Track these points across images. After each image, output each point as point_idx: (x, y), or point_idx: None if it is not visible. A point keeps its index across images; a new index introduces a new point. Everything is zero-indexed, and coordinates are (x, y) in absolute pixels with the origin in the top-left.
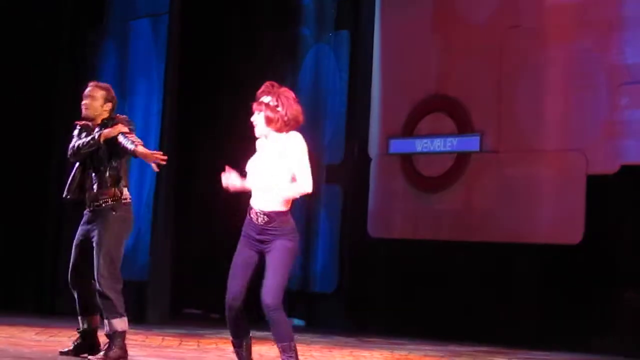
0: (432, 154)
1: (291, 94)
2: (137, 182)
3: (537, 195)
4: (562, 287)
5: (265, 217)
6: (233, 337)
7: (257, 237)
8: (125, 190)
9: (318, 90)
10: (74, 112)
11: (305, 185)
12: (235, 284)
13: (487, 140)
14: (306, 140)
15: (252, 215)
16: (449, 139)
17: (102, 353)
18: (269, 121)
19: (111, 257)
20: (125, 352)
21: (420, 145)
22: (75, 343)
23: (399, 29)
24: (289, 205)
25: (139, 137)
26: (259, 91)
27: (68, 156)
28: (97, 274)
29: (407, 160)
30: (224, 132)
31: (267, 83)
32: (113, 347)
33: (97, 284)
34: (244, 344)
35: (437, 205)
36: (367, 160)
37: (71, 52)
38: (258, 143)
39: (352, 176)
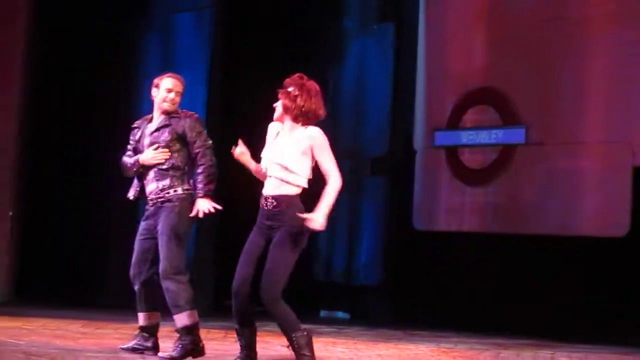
0: (477, 146)
1: (315, 87)
2: None
3: (582, 187)
4: (608, 280)
5: (273, 201)
6: (238, 326)
7: (267, 222)
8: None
9: (362, 83)
10: (117, 105)
11: (338, 182)
12: (242, 271)
13: (533, 132)
14: (351, 133)
15: (262, 201)
16: (494, 131)
17: (171, 349)
18: (285, 109)
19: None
20: (195, 347)
21: (465, 137)
22: (138, 340)
23: (443, 20)
24: (299, 191)
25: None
26: (287, 80)
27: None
28: (162, 268)
29: (452, 152)
30: (267, 125)
31: (297, 74)
32: (180, 343)
33: (161, 279)
34: (247, 333)
35: (481, 198)
36: (412, 152)
37: (115, 45)
38: (271, 128)
39: (397, 169)
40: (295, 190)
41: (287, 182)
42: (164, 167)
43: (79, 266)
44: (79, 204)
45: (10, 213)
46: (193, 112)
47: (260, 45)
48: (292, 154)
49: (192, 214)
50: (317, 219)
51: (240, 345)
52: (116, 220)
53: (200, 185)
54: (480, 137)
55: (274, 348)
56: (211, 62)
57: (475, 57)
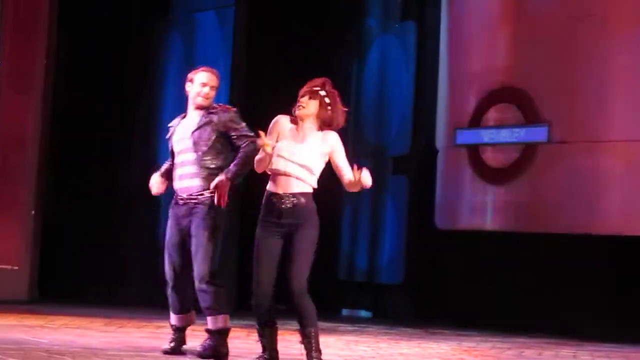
0: (499, 144)
1: (339, 97)
2: None
3: (605, 186)
4: (630, 279)
5: (294, 199)
6: (259, 326)
7: (283, 221)
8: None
9: (384, 81)
10: (139, 104)
11: None
12: (265, 272)
13: (555, 130)
14: (373, 132)
15: (275, 200)
16: (516, 130)
17: (199, 347)
18: (317, 116)
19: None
20: (221, 350)
21: (487, 136)
22: (175, 341)
23: (465, 18)
24: (312, 190)
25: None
26: (316, 82)
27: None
28: (199, 270)
29: (474, 151)
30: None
31: (324, 79)
32: (209, 344)
33: (198, 281)
34: (269, 333)
35: (504, 197)
36: (434, 151)
37: (137, 43)
38: (283, 122)
39: (419, 167)
40: (310, 190)
41: (305, 182)
42: (211, 166)
43: (101, 265)
44: (101, 202)
45: (32, 212)
46: (230, 106)
47: (282, 44)
48: (315, 157)
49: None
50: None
51: (263, 346)
52: (137, 218)
53: (231, 166)
54: (502, 135)
55: (295, 347)
56: (233, 60)
57: (497, 55)
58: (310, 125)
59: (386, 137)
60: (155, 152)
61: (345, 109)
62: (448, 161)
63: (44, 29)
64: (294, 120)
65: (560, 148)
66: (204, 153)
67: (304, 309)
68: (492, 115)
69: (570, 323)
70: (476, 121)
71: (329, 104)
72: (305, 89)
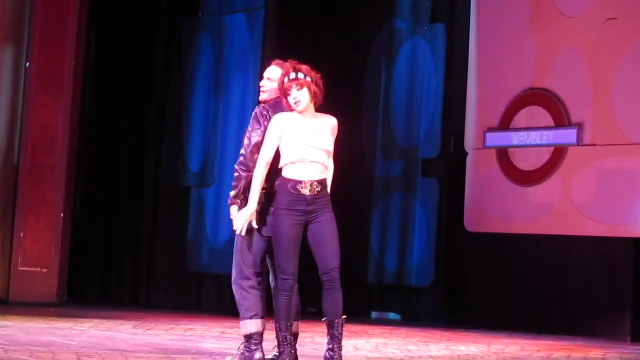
0: (529, 147)
1: (309, 67)
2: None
3: (635, 188)
4: None
5: (319, 185)
6: (286, 321)
7: (307, 208)
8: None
9: (414, 84)
10: (169, 106)
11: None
12: (294, 265)
13: (585, 133)
14: (403, 134)
15: (299, 188)
16: (546, 133)
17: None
18: (314, 96)
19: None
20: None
21: (517, 138)
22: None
23: (495, 21)
24: None
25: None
26: (287, 70)
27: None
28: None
29: (504, 153)
30: None
31: (290, 61)
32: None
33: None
34: (292, 328)
35: (533, 199)
36: (464, 154)
37: (166, 44)
38: (281, 120)
39: (449, 170)
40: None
41: (326, 168)
42: None
43: (130, 267)
44: (129, 204)
45: (62, 215)
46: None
47: (311, 47)
48: (330, 141)
49: None
50: None
51: (286, 341)
52: (166, 220)
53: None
54: (531, 138)
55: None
56: (262, 62)
57: (526, 58)
58: (312, 110)
59: (416, 139)
60: (184, 154)
61: (319, 75)
62: (478, 164)
63: (73, 31)
64: (294, 112)
65: (590, 151)
66: None
67: (339, 292)
68: (521, 117)
69: (600, 325)
70: (506, 124)
71: (312, 82)
72: (285, 82)
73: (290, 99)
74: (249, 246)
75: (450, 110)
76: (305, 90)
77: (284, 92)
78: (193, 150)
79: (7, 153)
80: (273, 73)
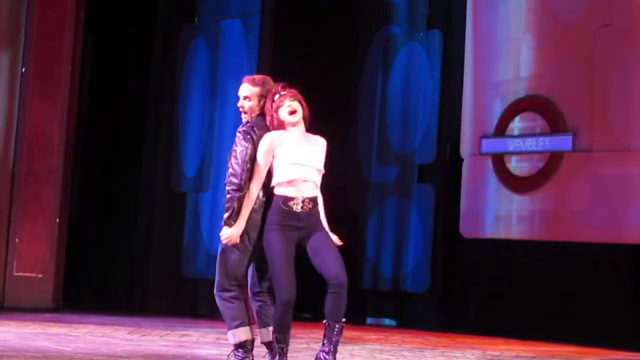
0: (524, 153)
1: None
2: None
3: (630, 194)
4: None
5: (311, 202)
6: (282, 334)
7: (299, 224)
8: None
9: (410, 89)
10: (164, 111)
11: None
12: (292, 281)
13: (580, 139)
14: (398, 140)
15: (291, 204)
16: (541, 139)
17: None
18: (305, 119)
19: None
20: None
21: (512, 145)
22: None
23: (490, 27)
24: None
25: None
26: (277, 87)
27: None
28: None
29: (499, 159)
30: (316, 132)
31: (281, 83)
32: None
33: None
34: (287, 339)
35: (529, 205)
36: (459, 160)
37: (162, 49)
38: (275, 137)
39: (444, 176)
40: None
41: (317, 186)
42: None
43: (125, 272)
44: (125, 209)
45: (58, 219)
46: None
47: (307, 53)
48: (322, 159)
49: None
50: None
51: (282, 352)
52: (162, 226)
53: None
54: (527, 144)
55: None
56: (258, 67)
57: (522, 64)
58: (302, 128)
59: (411, 145)
60: (180, 159)
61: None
62: (473, 169)
63: (69, 35)
64: (284, 130)
65: (585, 157)
66: None
67: (343, 300)
68: (517, 123)
69: (596, 332)
70: (501, 130)
71: (301, 100)
72: (277, 99)
73: (284, 109)
74: (232, 260)
75: (446, 116)
76: (297, 102)
77: (275, 107)
78: (189, 155)
79: (3, 157)
80: (248, 91)
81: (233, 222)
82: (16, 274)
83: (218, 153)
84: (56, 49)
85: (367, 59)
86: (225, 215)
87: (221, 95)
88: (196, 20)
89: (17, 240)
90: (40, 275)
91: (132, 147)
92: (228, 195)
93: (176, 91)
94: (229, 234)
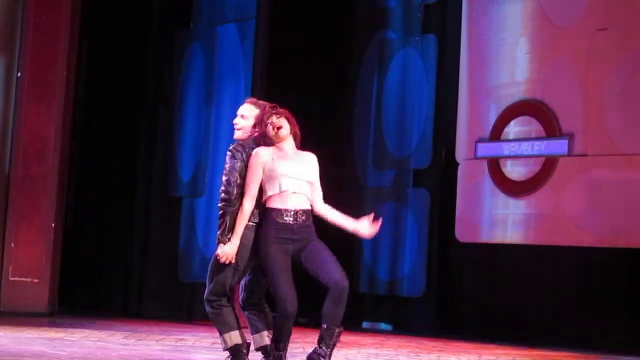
0: (519, 157)
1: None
2: None
3: (626, 199)
4: None
5: (303, 214)
6: (282, 343)
7: (293, 236)
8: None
9: (405, 94)
10: (160, 114)
11: None
12: (293, 292)
13: (576, 143)
14: (394, 144)
15: (286, 218)
16: (537, 143)
17: None
18: (295, 136)
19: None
20: None
21: (508, 149)
22: None
23: (486, 32)
24: None
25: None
26: (266, 108)
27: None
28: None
29: (495, 164)
30: (312, 136)
31: (270, 105)
32: None
33: None
34: (287, 347)
35: (524, 210)
36: (455, 164)
37: (158, 54)
38: (264, 154)
39: (440, 180)
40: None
41: (309, 199)
42: None
43: (121, 277)
44: (120, 214)
45: (53, 224)
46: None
47: (302, 57)
48: (313, 172)
49: None
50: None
51: (278, 358)
52: (158, 231)
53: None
54: (522, 148)
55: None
56: (254, 72)
57: (517, 68)
58: (292, 143)
59: (407, 149)
60: (176, 164)
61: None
62: (469, 174)
63: (65, 40)
64: (274, 147)
65: (580, 161)
66: None
67: (343, 306)
68: (512, 128)
69: (592, 336)
70: (497, 134)
71: (291, 118)
72: (264, 116)
73: (270, 126)
74: (223, 272)
75: (441, 120)
76: (284, 119)
77: (263, 124)
78: (184, 159)
79: None
80: (247, 110)
81: (227, 239)
82: (12, 278)
83: (213, 158)
84: (51, 54)
85: (363, 64)
86: (219, 232)
87: (217, 100)
88: (191, 25)
89: (12, 244)
90: (36, 280)
91: (127, 151)
92: (220, 212)
93: (172, 96)
94: (225, 252)
